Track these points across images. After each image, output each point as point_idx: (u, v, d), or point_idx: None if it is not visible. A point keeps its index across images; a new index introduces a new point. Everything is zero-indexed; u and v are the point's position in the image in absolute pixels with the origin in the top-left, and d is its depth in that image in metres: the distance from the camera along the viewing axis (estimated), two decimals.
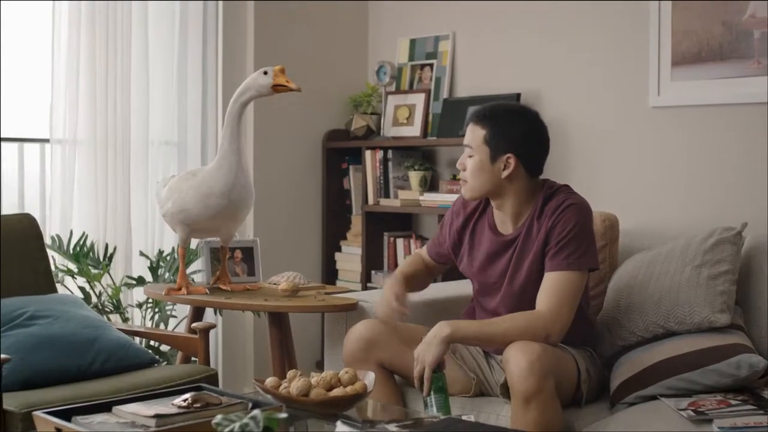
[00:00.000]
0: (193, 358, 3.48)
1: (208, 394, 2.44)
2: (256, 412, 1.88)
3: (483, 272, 3.01)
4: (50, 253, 3.68)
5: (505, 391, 2.75)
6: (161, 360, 3.84)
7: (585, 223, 2.88)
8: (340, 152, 4.88)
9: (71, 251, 3.95)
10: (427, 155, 4.74)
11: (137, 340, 3.55)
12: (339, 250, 4.90)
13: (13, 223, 3.45)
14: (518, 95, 4.25)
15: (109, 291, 4.02)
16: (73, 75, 4.08)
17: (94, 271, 3.98)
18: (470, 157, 2.94)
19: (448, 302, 3.34)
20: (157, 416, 2.28)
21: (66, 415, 2.34)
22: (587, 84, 4.13)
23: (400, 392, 3.05)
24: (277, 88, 3.40)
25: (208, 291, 3.57)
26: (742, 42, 3.63)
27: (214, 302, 3.56)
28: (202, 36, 4.52)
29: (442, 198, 4.36)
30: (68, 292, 3.85)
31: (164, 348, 3.96)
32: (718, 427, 2.46)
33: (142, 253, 4.20)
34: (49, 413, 2.34)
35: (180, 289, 3.54)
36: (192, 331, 3.44)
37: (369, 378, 2.61)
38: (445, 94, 4.59)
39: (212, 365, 3.58)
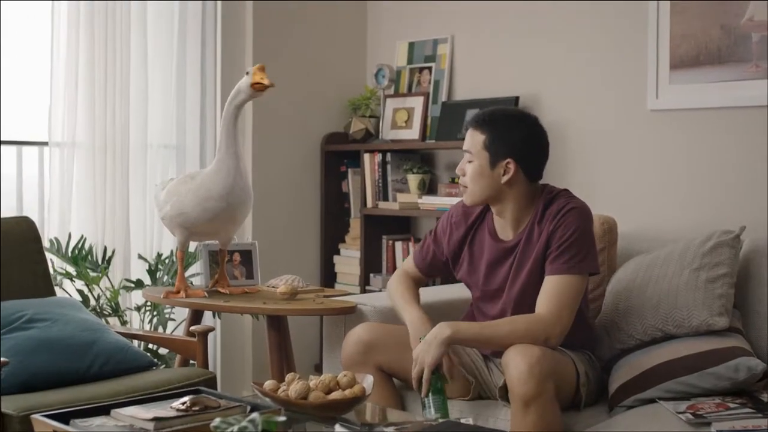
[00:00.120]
0: (191, 361, 3.48)
1: (207, 397, 2.44)
2: (254, 415, 1.88)
3: (486, 280, 3.01)
4: (49, 256, 3.69)
5: (504, 394, 2.75)
6: (159, 363, 3.84)
7: (586, 227, 2.88)
8: (339, 155, 4.88)
9: (70, 254, 3.95)
10: (426, 158, 4.75)
11: (135, 343, 3.54)
12: (338, 253, 4.90)
13: (12, 226, 3.45)
14: (517, 98, 4.25)
15: (108, 294, 4.02)
16: (72, 78, 4.07)
17: (92, 274, 3.97)
18: (470, 162, 2.94)
19: (447, 305, 3.34)
20: (155, 419, 2.29)
21: (64, 418, 2.35)
22: (586, 87, 4.13)
23: (398, 395, 3.05)
24: (255, 86, 3.37)
25: (206, 294, 3.57)
26: (740, 45, 3.63)
27: (213, 305, 3.56)
28: (200, 38, 4.52)
29: (441, 201, 4.36)
30: (66, 295, 3.85)
31: (163, 351, 3.96)
32: (717, 431, 2.46)
33: (140, 256, 4.20)
34: (47, 416, 2.34)
35: (179, 292, 3.54)
36: (190, 334, 3.44)
37: (367, 381, 2.61)
38: (443, 97, 4.59)
39: (211, 368, 3.58)
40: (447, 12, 4.65)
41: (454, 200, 4.03)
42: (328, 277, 4.89)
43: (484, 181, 2.92)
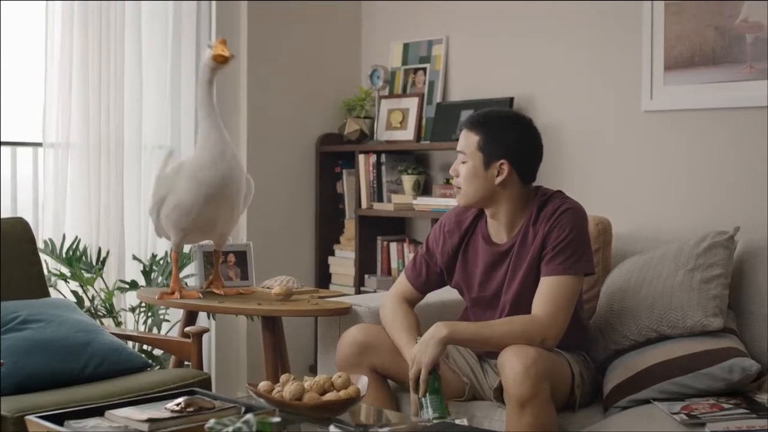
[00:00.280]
0: (186, 363, 3.47)
1: (201, 399, 2.44)
2: (249, 416, 1.88)
3: (482, 285, 3.00)
4: (43, 257, 3.68)
5: (499, 395, 2.76)
6: (154, 364, 3.84)
7: (581, 228, 2.88)
8: (334, 156, 4.88)
9: (64, 255, 3.95)
10: (421, 159, 4.75)
11: (130, 344, 3.54)
12: (332, 254, 4.90)
13: (6, 227, 3.44)
14: (511, 99, 4.25)
15: (102, 295, 4.02)
16: (66, 78, 4.07)
17: (86, 275, 3.97)
18: (463, 163, 2.94)
19: (442, 306, 3.34)
20: (149, 420, 2.28)
21: (58, 419, 2.34)
22: (580, 88, 4.13)
23: (393, 397, 3.05)
24: (216, 57, 3.41)
25: (201, 295, 3.57)
26: (734, 46, 3.64)
27: (208, 306, 3.56)
28: (195, 39, 4.52)
29: (436, 202, 4.36)
30: (61, 297, 3.85)
31: (157, 352, 3.96)
32: (711, 431, 2.46)
33: (135, 257, 4.19)
34: (41, 417, 2.34)
35: (173, 293, 3.54)
36: (185, 335, 3.44)
37: (362, 382, 2.61)
38: (438, 98, 4.60)
39: (205, 369, 3.58)
40: (442, 13, 4.65)
41: (449, 201, 4.04)
42: (323, 278, 4.89)
43: (477, 182, 2.91)
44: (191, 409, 2.36)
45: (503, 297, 2.95)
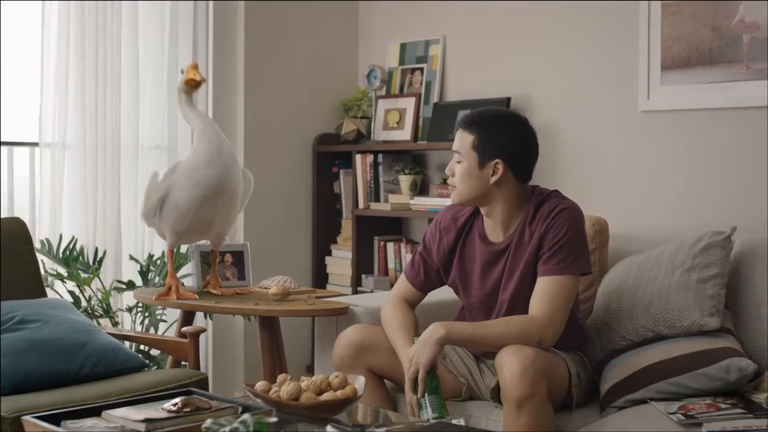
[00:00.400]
0: (183, 363, 3.47)
1: (198, 399, 2.44)
2: (246, 416, 1.88)
3: (480, 284, 3.00)
4: (40, 257, 3.68)
5: (496, 395, 2.75)
6: (151, 364, 3.84)
7: (578, 228, 2.88)
8: (331, 156, 4.88)
9: (61, 255, 3.94)
10: (418, 159, 4.75)
11: (127, 344, 3.53)
12: (329, 254, 4.90)
13: (3, 227, 3.44)
14: (508, 99, 4.25)
15: (99, 295, 4.01)
16: (63, 78, 4.07)
17: (83, 275, 3.97)
18: (458, 162, 2.94)
19: (438, 306, 3.34)
20: (146, 420, 2.28)
21: (55, 419, 2.34)
22: (577, 88, 4.14)
23: (390, 397, 3.05)
24: (188, 82, 3.45)
25: (197, 296, 3.57)
26: (731, 47, 3.64)
27: (205, 306, 3.55)
28: (192, 39, 4.52)
29: (432, 202, 4.36)
30: (58, 297, 3.84)
31: (154, 352, 3.95)
32: (708, 431, 2.46)
33: (131, 257, 4.19)
34: (38, 418, 2.34)
35: (169, 289, 3.53)
36: (182, 335, 3.43)
37: (359, 382, 2.61)
38: (435, 98, 4.60)
39: (202, 369, 3.58)
40: (439, 13, 4.65)
41: (446, 201, 4.04)
42: (320, 278, 4.89)
43: (472, 181, 2.91)
44: (188, 409, 2.36)
45: (500, 296, 2.95)
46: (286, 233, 4.81)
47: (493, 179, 2.89)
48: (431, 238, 3.11)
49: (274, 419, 2.01)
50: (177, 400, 2.40)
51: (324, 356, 3.38)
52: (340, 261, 4.82)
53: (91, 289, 4.01)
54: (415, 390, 2.74)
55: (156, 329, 4.07)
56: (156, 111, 4.42)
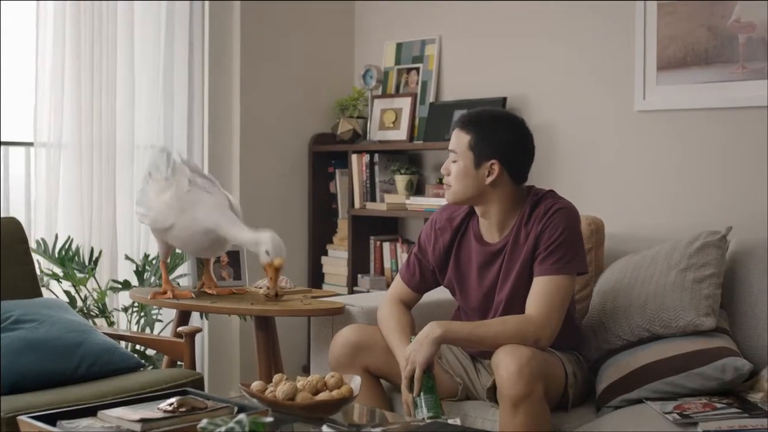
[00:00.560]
0: (179, 363, 3.47)
1: (194, 399, 2.44)
2: (241, 416, 1.88)
3: (477, 284, 3.00)
4: (35, 256, 3.67)
5: (492, 395, 2.76)
6: (147, 364, 3.83)
7: (573, 227, 2.89)
8: (327, 156, 4.88)
9: (56, 255, 3.94)
10: (414, 159, 4.75)
11: (123, 344, 3.53)
12: (325, 253, 4.90)
13: None
14: (504, 99, 4.26)
15: (95, 295, 4.01)
16: (58, 78, 4.06)
17: (79, 275, 3.96)
18: (454, 162, 2.94)
19: (434, 306, 3.33)
20: (142, 420, 2.28)
21: (51, 419, 2.34)
22: (573, 88, 4.14)
23: (386, 397, 3.05)
24: (267, 267, 3.41)
25: (193, 295, 3.56)
26: (726, 47, 3.64)
27: (200, 306, 3.55)
28: (188, 39, 4.51)
29: (428, 202, 4.36)
30: (53, 296, 3.84)
31: (150, 352, 3.95)
32: (703, 430, 2.46)
33: (127, 257, 4.19)
34: (33, 418, 2.33)
35: (165, 292, 3.53)
36: (178, 335, 3.43)
37: (355, 382, 2.61)
38: (431, 98, 4.60)
39: (198, 369, 3.58)
40: (435, 13, 4.65)
41: (442, 201, 4.03)
42: (316, 278, 4.89)
43: (468, 181, 2.91)
44: (184, 409, 2.35)
45: (496, 297, 2.95)
46: (282, 233, 4.75)
47: (489, 180, 2.89)
48: (426, 238, 3.10)
49: (269, 419, 2.01)
50: (173, 400, 2.40)
51: (320, 356, 3.38)
52: (336, 261, 4.82)
53: (87, 289, 4.01)
54: (411, 389, 2.74)
55: (152, 329, 4.07)
56: (152, 111, 4.42)
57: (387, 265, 4.66)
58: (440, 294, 3.25)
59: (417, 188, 4.59)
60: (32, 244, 3.84)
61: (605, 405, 2.86)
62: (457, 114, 4.26)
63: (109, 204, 4.21)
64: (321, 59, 4.92)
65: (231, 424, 1.85)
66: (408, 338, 2.89)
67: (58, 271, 3.95)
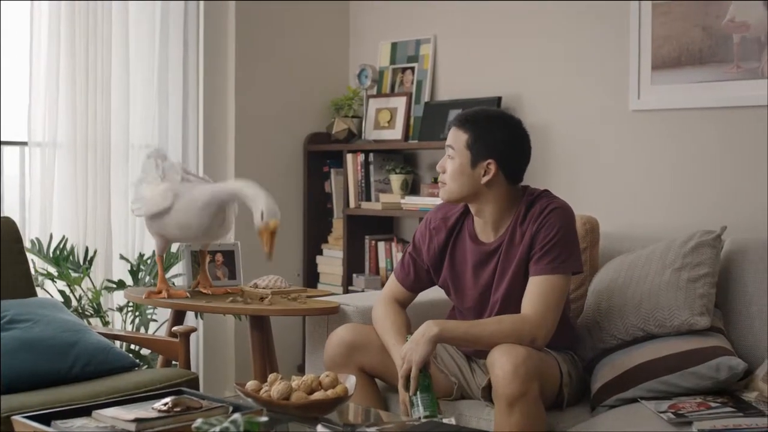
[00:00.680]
0: (173, 362, 3.46)
1: (189, 398, 2.43)
2: (236, 415, 1.88)
3: (472, 284, 3.00)
4: (30, 256, 3.66)
5: (487, 394, 2.76)
6: (142, 364, 3.83)
7: (569, 227, 2.89)
8: (322, 155, 4.88)
9: (51, 255, 3.93)
10: (409, 158, 4.75)
11: (117, 343, 3.53)
12: (320, 253, 4.90)
13: None
14: (499, 99, 4.26)
15: (89, 294, 4.00)
16: (53, 77, 4.06)
17: (74, 274, 3.96)
18: (451, 159, 2.94)
19: (429, 306, 3.33)
20: (137, 420, 2.28)
21: (45, 419, 2.33)
22: (568, 87, 4.14)
23: (381, 396, 3.05)
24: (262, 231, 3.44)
25: (188, 294, 3.56)
26: (721, 46, 3.65)
27: (195, 306, 3.55)
28: (183, 38, 4.51)
29: (423, 201, 4.36)
30: (48, 296, 3.83)
31: (145, 352, 3.95)
32: (698, 430, 2.47)
33: (122, 257, 4.18)
34: (28, 417, 2.33)
35: (160, 292, 3.53)
36: (173, 334, 3.43)
37: (350, 381, 2.61)
38: (426, 97, 4.60)
39: (193, 369, 3.57)
40: (430, 12, 4.65)
41: (437, 200, 4.03)
42: (311, 278, 4.89)
43: (463, 180, 2.91)
44: (178, 409, 2.35)
45: (492, 296, 2.95)
46: (278, 233, 4.79)
47: (485, 179, 2.89)
48: (421, 238, 3.10)
49: (264, 419, 2.01)
50: (167, 399, 2.40)
51: (315, 355, 3.37)
52: (331, 260, 4.82)
53: (82, 289, 4.00)
54: (407, 388, 2.74)
55: (146, 329, 4.06)
56: (146, 110, 4.41)
57: (382, 264, 4.66)
58: (435, 293, 3.25)
59: (412, 188, 4.60)
60: (27, 244, 3.83)
61: (600, 404, 2.86)
62: (452, 113, 4.27)
63: (104, 203, 4.20)
64: (316, 59, 4.92)
65: (226, 424, 1.85)
66: (403, 338, 2.89)
67: (53, 270, 3.94)
